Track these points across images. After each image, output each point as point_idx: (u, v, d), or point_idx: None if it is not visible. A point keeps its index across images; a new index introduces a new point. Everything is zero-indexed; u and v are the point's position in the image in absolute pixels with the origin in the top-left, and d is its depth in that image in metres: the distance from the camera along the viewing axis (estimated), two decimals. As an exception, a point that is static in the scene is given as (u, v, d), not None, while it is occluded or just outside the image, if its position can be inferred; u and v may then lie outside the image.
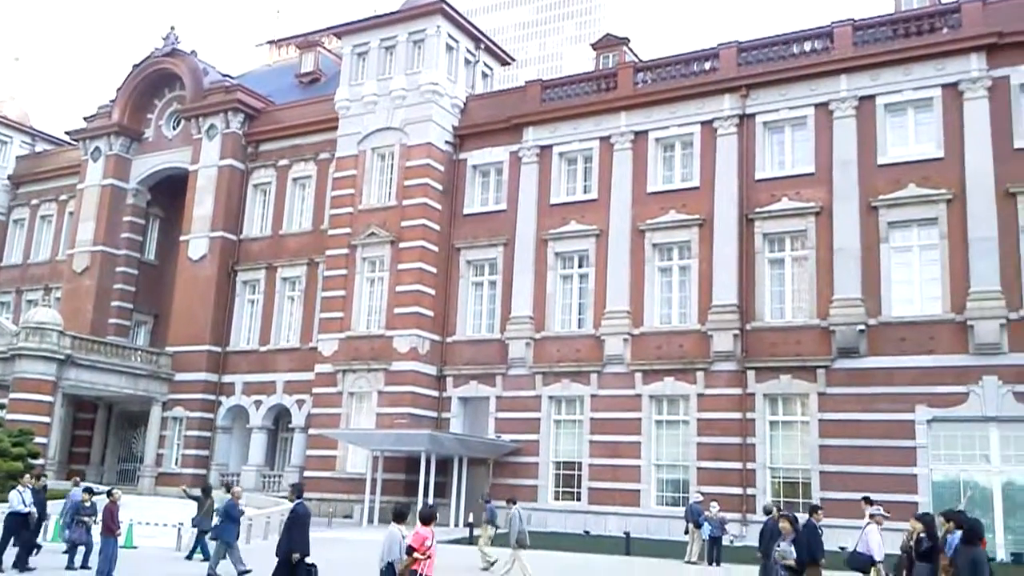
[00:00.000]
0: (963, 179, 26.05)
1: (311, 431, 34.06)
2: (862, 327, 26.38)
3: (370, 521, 30.02)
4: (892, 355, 25.97)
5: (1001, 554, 23.26)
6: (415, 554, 9.69)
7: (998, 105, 26.11)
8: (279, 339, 37.74)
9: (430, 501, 28.28)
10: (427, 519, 10.05)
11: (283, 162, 39.45)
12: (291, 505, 13.48)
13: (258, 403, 37.29)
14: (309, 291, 37.20)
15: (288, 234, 38.62)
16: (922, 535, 12.22)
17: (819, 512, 16.22)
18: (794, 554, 11.15)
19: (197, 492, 21.27)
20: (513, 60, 41.60)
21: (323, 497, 32.12)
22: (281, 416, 37.66)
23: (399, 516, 10.38)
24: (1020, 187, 25.23)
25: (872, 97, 27.92)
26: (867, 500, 19.78)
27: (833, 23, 29.15)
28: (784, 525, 11.72)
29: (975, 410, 24.70)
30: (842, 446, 25.96)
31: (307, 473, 33.70)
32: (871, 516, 16.15)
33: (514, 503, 19.66)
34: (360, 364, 33.19)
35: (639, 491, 28.79)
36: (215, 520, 19.06)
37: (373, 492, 30.50)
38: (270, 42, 54.78)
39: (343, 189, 35.59)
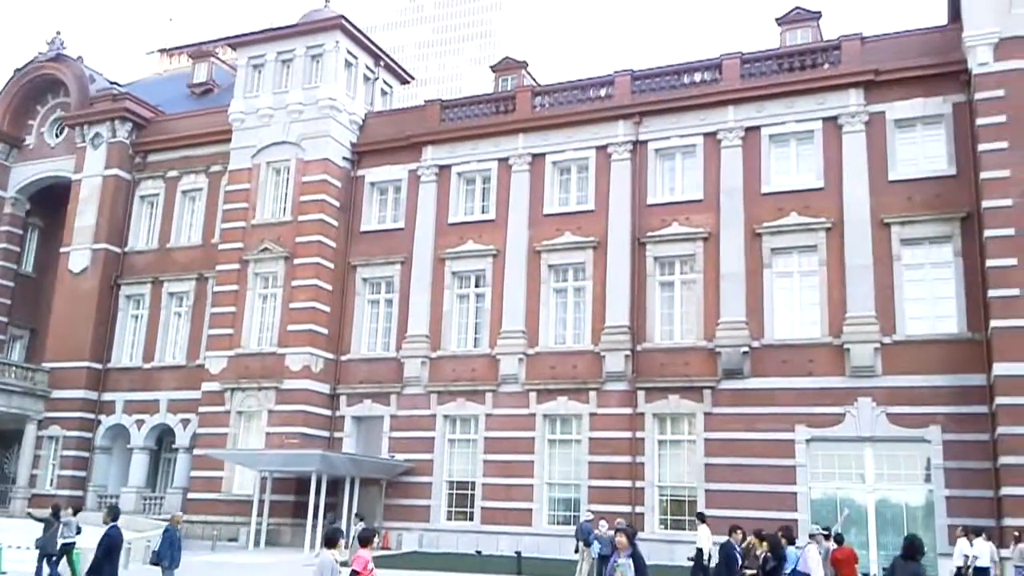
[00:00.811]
0: (841, 209, 27.25)
1: (196, 451, 33.03)
2: (746, 349, 27.26)
3: (256, 544, 29.22)
4: (774, 376, 26.86)
5: (874, 569, 24.21)
6: None
7: (874, 139, 27.41)
8: (164, 356, 36.47)
9: (320, 523, 27.74)
10: (365, 541, 10.02)
11: (172, 173, 38.28)
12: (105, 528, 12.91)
13: (140, 422, 35.89)
14: (197, 307, 36.07)
15: (176, 248, 37.43)
16: (767, 554, 12.67)
17: (738, 532, 16.53)
18: (632, 570, 10.51)
19: (43, 513, 20.42)
20: (413, 79, 41.56)
21: (207, 520, 31.19)
22: (164, 436, 36.32)
23: (330, 542, 10.17)
24: (894, 217, 26.53)
25: (758, 128, 29.00)
26: (700, 517, 20.59)
27: (722, 55, 30.20)
28: (620, 540, 10.91)
29: (851, 430, 25.74)
30: (726, 464, 26.68)
31: (191, 495, 32.66)
32: (810, 536, 16.71)
33: (361, 519, 19.43)
34: (250, 382, 32.40)
35: (531, 510, 28.96)
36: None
37: (260, 514, 29.72)
38: (161, 50, 53.31)
39: (236, 203, 34.80)
